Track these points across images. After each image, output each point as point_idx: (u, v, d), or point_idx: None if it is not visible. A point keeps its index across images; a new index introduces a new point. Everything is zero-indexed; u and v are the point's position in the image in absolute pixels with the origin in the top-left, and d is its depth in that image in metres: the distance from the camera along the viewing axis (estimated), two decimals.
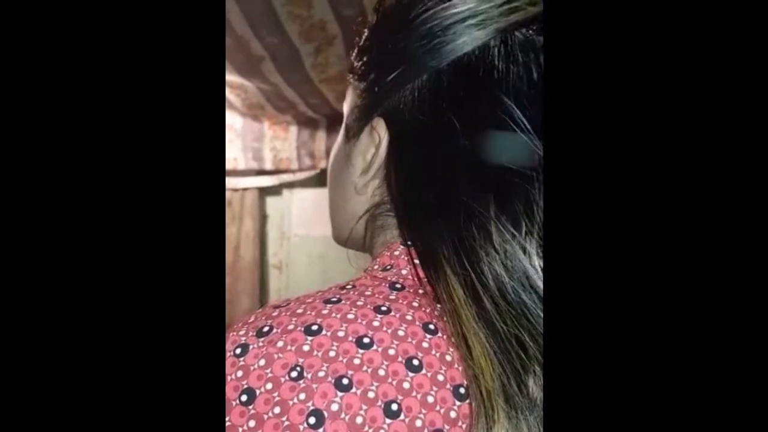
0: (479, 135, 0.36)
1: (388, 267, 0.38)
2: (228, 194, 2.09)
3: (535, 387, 0.30)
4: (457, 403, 0.30)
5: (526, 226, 0.33)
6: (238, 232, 2.10)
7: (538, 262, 0.33)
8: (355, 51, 0.44)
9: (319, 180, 2.14)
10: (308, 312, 0.32)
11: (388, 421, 0.28)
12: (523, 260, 0.33)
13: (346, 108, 0.45)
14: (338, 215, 0.46)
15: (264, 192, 2.18)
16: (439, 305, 0.34)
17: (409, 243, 0.38)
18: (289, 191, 2.20)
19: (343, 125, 0.45)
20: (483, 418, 0.29)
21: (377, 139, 0.40)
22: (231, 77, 1.58)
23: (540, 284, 0.32)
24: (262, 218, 2.19)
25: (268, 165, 2.10)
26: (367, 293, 0.34)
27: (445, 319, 0.33)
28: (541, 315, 0.32)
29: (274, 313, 0.32)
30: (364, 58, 0.43)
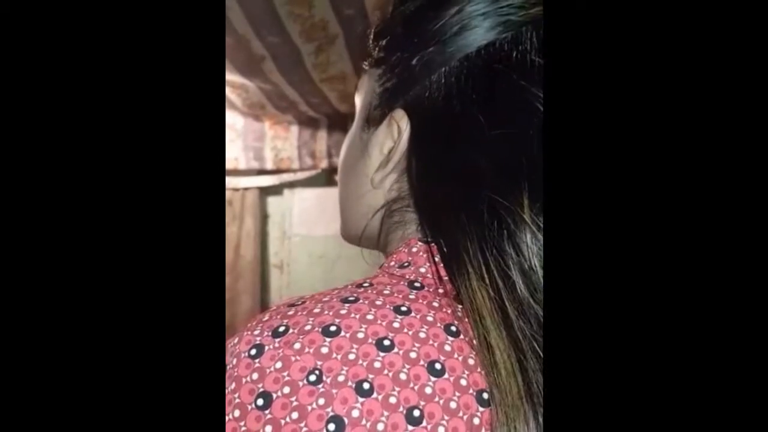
0: (510, 128, 0.35)
1: (406, 264, 0.36)
2: (229, 194, 2.09)
3: None
4: (480, 409, 0.29)
5: None
6: (238, 231, 2.10)
7: None
8: (373, 34, 0.42)
9: (320, 180, 2.14)
10: (326, 312, 0.31)
11: (410, 427, 0.27)
12: None
13: (359, 97, 0.44)
14: (351, 210, 0.44)
15: (265, 192, 2.18)
16: (460, 306, 0.32)
17: (429, 240, 0.36)
18: (290, 191, 2.20)
19: (358, 115, 0.43)
20: (504, 424, 0.28)
21: (396, 131, 0.38)
22: (232, 77, 1.58)
23: None
24: (263, 218, 2.19)
25: (269, 165, 2.10)
26: (386, 292, 0.32)
27: (467, 320, 0.31)
28: None
29: (290, 312, 0.31)
30: (384, 41, 0.41)
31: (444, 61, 0.36)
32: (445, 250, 0.35)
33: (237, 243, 2.08)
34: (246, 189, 2.12)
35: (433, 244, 0.36)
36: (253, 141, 2.08)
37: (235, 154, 2.07)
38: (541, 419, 0.28)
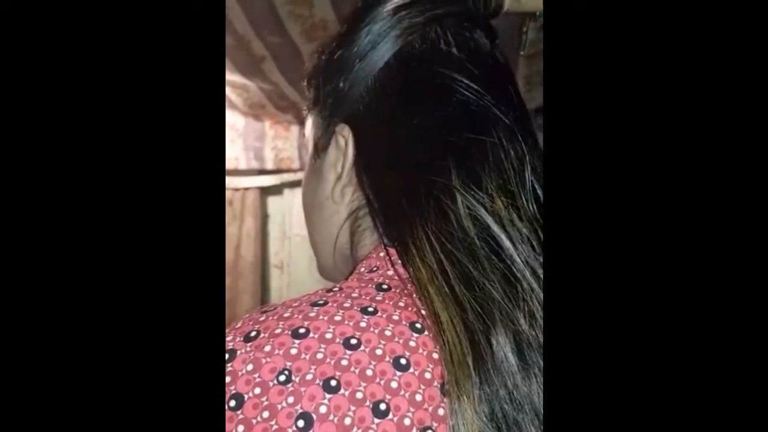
0: (432, 112, 0.39)
1: (375, 268, 0.38)
2: (229, 194, 2.09)
3: (503, 349, 0.31)
4: (446, 401, 0.30)
5: (490, 187, 0.36)
6: (239, 231, 2.09)
7: (503, 222, 0.34)
8: (305, 83, 0.47)
9: None
10: (295, 315, 0.32)
11: (376, 420, 0.28)
12: (488, 219, 0.34)
13: (308, 138, 0.47)
14: (322, 237, 0.46)
15: (265, 191, 2.17)
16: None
17: (391, 243, 0.38)
18: (291, 191, 2.20)
19: (309, 153, 0.47)
20: (454, 382, 0.30)
21: (343, 143, 0.42)
22: (232, 77, 1.58)
23: (506, 243, 0.34)
24: (264, 218, 2.19)
25: (270, 164, 2.09)
26: (354, 295, 0.34)
27: (414, 296, 0.34)
28: (506, 273, 0.33)
29: (261, 318, 0.33)
30: (314, 82, 0.46)
31: (366, 75, 0.42)
32: (395, 239, 0.38)
33: (237, 243, 2.08)
34: (246, 189, 2.12)
35: (392, 249, 0.38)
36: (253, 141, 2.08)
37: (235, 154, 2.07)
38: (485, 377, 0.30)
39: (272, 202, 2.22)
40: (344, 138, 0.42)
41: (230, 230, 2.07)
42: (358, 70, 0.42)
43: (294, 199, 2.20)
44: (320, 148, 0.45)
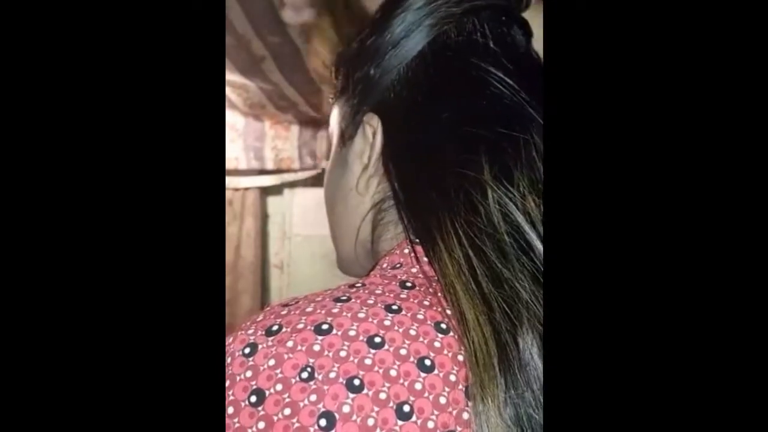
0: (465, 104, 0.39)
1: (398, 265, 0.37)
2: (229, 194, 2.09)
3: (529, 350, 0.30)
4: (470, 404, 0.29)
5: (522, 184, 0.34)
6: (239, 231, 2.10)
7: (534, 221, 0.33)
8: (333, 70, 0.46)
9: (320, 180, 2.13)
10: (318, 311, 0.31)
11: (400, 422, 0.28)
12: (518, 217, 0.33)
13: (333, 127, 0.46)
14: (342, 224, 0.45)
15: (265, 191, 2.18)
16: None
17: (416, 240, 0.37)
18: (291, 191, 2.20)
19: (334, 141, 0.46)
20: (479, 384, 0.29)
21: (371, 132, 0.41)
22: (232, 77, 1.58)
23: (536, 243, 0.33)
24: (264, 218, 2.19)
25: (270, 164, 2.10)
26: (378, 292, 0.33)
27: (439, 295, 0.33)
28: (535, 273, 0.32)
29: (283, 312, 0.32)
30: (343, 70, 0.45)
31: (399, 63, 0.40)
32: (420, 233, 0.37)
33: (237, 243, 2.08)
34: (246, 189, 2.12)
35: (419, 246, 0.37)
36: (253, 141, 2.08)
37: (235, 154, 2.07)
38: (512, 380, 0.29)
39: (272, 202, 2.22)
40: (372, 128, 0.41)
41: (230, 230, 2.07)
42: (391, 58, 0.40)
43: (294, 199, 2.20)
44: (346, 137, 0.43)
